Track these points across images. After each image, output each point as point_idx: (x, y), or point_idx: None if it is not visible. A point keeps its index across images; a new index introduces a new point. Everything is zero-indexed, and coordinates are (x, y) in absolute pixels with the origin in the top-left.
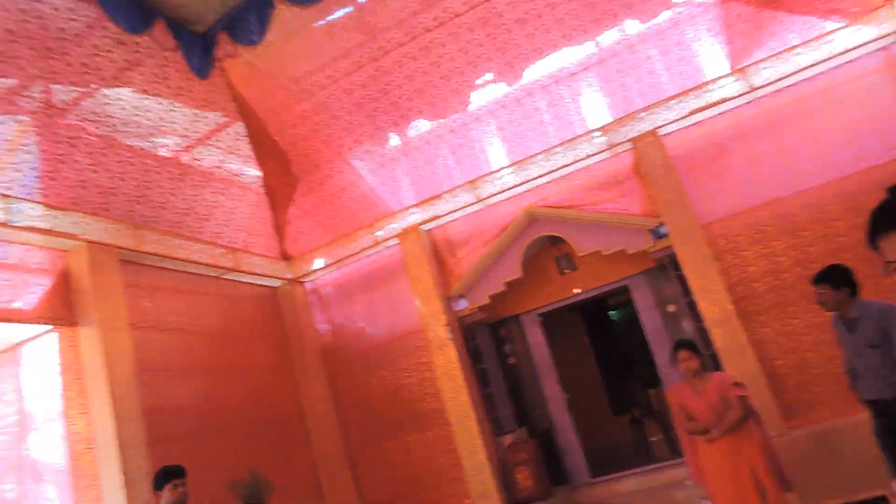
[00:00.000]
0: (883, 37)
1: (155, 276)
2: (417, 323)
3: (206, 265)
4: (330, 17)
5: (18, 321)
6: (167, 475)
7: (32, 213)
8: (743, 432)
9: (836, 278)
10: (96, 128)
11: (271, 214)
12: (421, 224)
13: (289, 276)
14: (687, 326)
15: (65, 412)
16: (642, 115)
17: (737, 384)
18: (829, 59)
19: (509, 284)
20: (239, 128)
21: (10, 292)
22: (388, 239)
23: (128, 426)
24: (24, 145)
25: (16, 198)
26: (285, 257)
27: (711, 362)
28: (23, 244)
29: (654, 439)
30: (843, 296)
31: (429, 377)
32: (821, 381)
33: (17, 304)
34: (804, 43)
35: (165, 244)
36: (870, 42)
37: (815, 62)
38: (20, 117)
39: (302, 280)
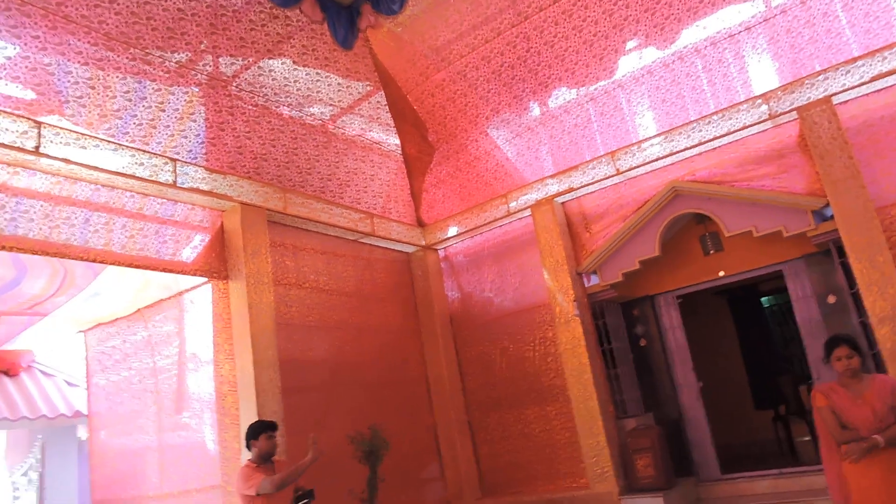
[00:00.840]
0: None
1: (298, 237)
2: (545, 297)
3: (345, 228)
4: None
5: (181, 272)
6: (263, 427)
7: (196, 176)
8: None
9: None
10: (252, 97)
11: (408, 182)
12: (555, 196)
13: (422, 243)
14: (848, 321)
15: (215, 357)
16: (813, 80)
17: None
18: None
19: (645, 263)
20: (380, 97)
21: (174, 246)
22: (520, 210)
23: (265, 373)
24: (191, 114)
25: (183, 161)
26: (420, 224)
27: (873, 363)
28: (186, 203)
29: (801, 440)
30: None
31: (553, 352)
32: None
33: (180, 257)
34: None
35: (309, 207)
36: None
37: None
38: (191, 88)
39: (435, 247)
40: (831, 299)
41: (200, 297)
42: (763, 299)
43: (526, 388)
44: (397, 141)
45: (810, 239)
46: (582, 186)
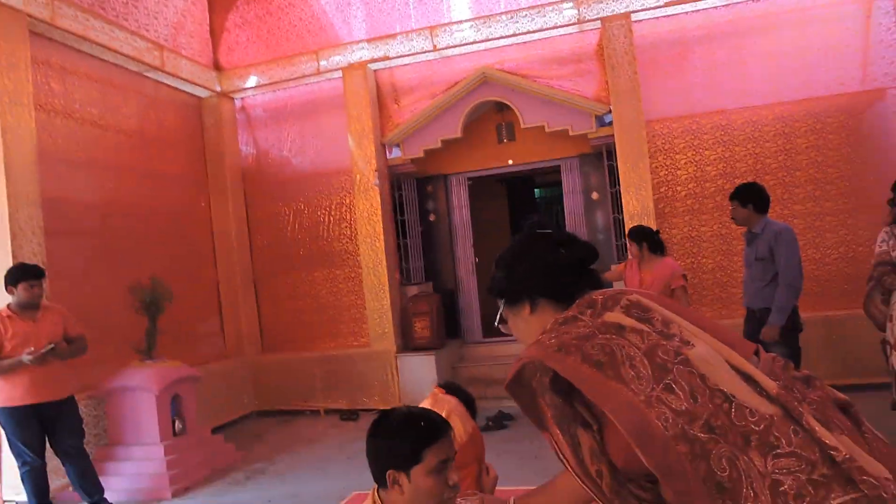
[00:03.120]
0: None
1: (68, 57)
2: (346, 163)
3: (128, 57)
4: None
5: None
6: (23, 274)
7: None
8: None
9: (745, 196)
10: None
11: (208, 16)
12: (370, 62)
13: (217, 89)
14: (604, 216)
15: None
16: None
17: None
18: None
19: (446, 142)
20: None
21: None
22: (331, 70)
23: (24, 211)
24: None
25: None
26: (217, 67)
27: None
28: None
29: None
30: (747, 212)
31: (348, 218)
32: (707, 286)
33: None
34: None
35: (83, 23)
36: None
37: None
38: None
39: (231, 95)
40: (595, 196)
41: None
42: (536, 190)
43: (317, 250)
44: None
45: (589, 140)
46: (398, 56)
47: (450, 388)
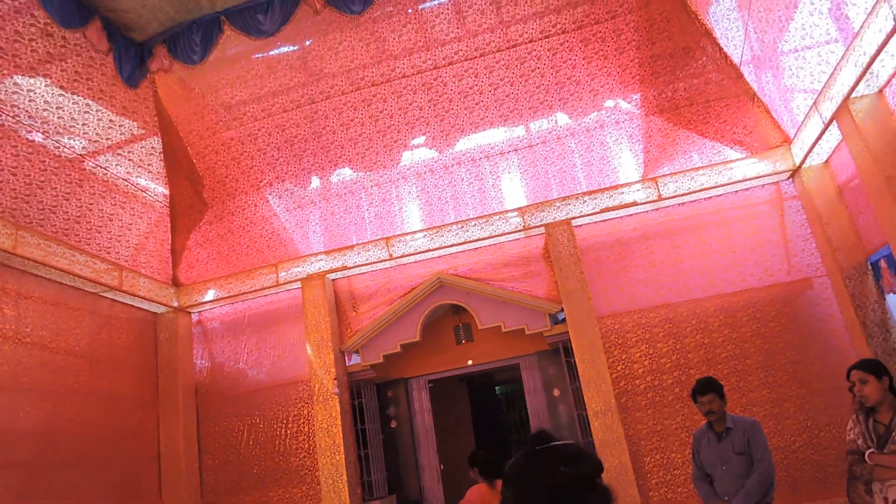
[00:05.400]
0: (776, 173)
1: (25, 283)
2: (304, 373)
3: (87, 279)
4: (273, 52)
5: None
6: None
7: None
8: None
9: (721, 390)
10: None
11: (170, 237)
12: (327, 272)
13: (175, 304)
14: (567, 412)
15: None
16: (559, 203)
17: None
18: (728, 184)
19: (406, 346)
20: (155, 143)
21: None
22: (290, 282)
23: None
24: None
25: None
26: (175, 283)
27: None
28: None
29: None
30: (722, 405)
31: (306, 430)
32: (679, 481)
33: None
34: (709, 166)
35: (45, 249)
36: (763, 176)
37: (715, 185)
38: None
39: (188, 310)
40: (556, 392)
41: None
42: (497, 388)
43: (272, 467)
44: (166, 192)
45: (545, 338)
46: (355, 266)
47: None
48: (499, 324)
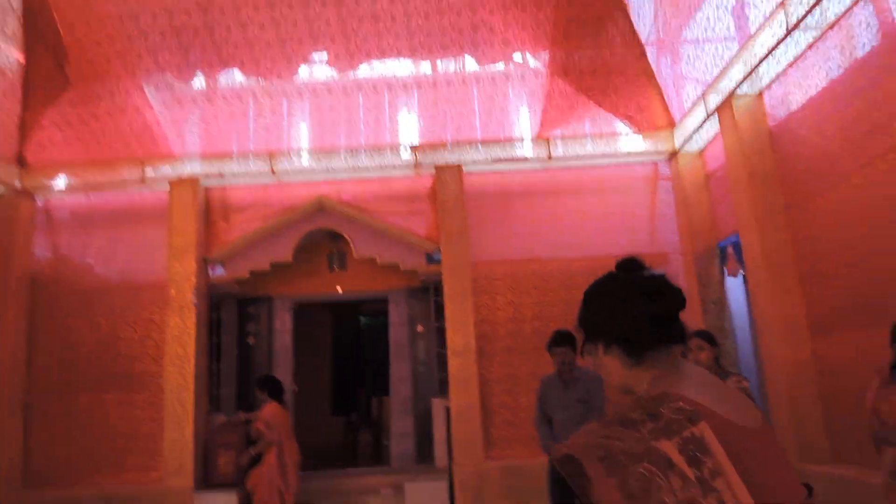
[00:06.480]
0: (657, 153)
1: None
2: (162, 277)
3: None
4: None
5: None
6: None
7: None
8: None
9: (575, 344)
10: None
11: (20, 110)
12: (202, 178)
13: (17, 184)
14: (427, 348)
15: None
16: (453, 147)
17: None
18: (612, 155)
19: (276, 266)
20: (16, 2)
21: None
22: (157, 180)
23: None
24: None
25: None
26: (20, 162)
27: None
28: None
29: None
30: (576, 359)
31: (156, 337)
32: (523, 423)
33: None
34: (599, 135)
35: None
36: (645, 154)
37: (602, 154)
38: None
39: (34, 193)
40: (420, 328)
41: None
42: (361, 318)
43: (114, 371)
44: (21, 59)
45: (419, 275)
46: (232, 175)
47: None
48: (374, 256)
